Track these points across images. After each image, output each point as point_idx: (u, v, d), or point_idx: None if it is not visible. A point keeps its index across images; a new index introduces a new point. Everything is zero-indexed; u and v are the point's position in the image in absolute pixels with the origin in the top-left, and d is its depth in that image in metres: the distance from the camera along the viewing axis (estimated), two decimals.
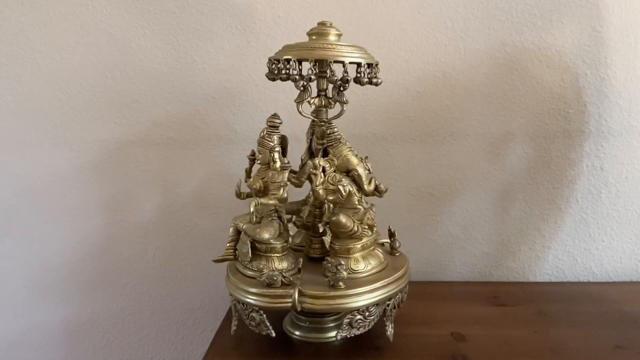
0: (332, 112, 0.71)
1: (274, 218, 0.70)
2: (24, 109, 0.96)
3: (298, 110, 0.68)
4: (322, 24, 0.68)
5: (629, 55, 0.92)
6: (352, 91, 0.70)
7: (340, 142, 0.70)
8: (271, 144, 0.70)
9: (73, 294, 1.02)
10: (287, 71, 0.65)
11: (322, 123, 0.71)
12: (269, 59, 0.67)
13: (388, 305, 0.68)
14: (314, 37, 0.68)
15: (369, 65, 0.67)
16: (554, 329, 0.76)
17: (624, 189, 0.97)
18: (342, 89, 0.69)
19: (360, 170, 0.68)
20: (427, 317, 0.79)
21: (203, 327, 1.04)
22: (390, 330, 0.69)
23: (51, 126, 0.96)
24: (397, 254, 0.76)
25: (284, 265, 0.69)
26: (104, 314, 1.03)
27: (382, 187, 0.70)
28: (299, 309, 0.64)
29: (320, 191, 0.66)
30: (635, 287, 0.95)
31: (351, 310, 0.65)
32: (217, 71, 0.95)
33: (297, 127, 0.78)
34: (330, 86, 0.69)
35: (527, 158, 0.96)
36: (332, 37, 0.67)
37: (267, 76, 0.68)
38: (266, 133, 0.71)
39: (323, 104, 0.70)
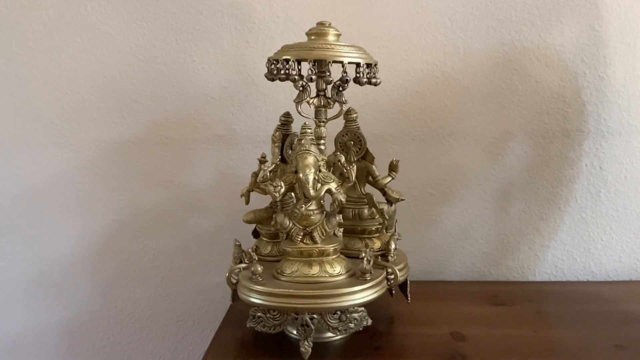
0: (331, 112, 0.71)
1: (272, 207, 0.75)
2: (23, 109, 0.96)
3: (297, 110, 0.69)
4: (321, 24, 0.68)
5: (628, 54, 0.92)
6: (352, 91, 0.71)
7: (300, 143, 0.66)
8: (274, 139, 0.75)
9: (73, 294, 1.02)
10: (286, 71, 0.65)
11: (321, 123, 0.71)
12: (268, 59, 0.67)
13: (296, 319, 0.64)
14: (312, 37, 0.68)
15: (368, 65, 0.67)
16: (553, 329, 0.76)
17: (623, 188, 0.97)
18: (341, 89, 0.69)
19: (305, 175, 0.64)
20: (426, 317, 0.79)
21: (203, 327, 1.04)
22: (302, 348, 0.64)
23: (50, 126, 0.96)
24: (367, 277, 0.66)
25: (267, 249, 0.75)
26: (103, 314, 1.03)
27: (337, 197, 0.65)
28: (230, 286, 0.71)
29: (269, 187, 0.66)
30: (634, 286, 0.95)
31: (253, 305, 0.66)
32: (216, 71, 0.95)
33: (296, 128, 0.79)
34: (330, 86, 0.69)
35: (526, 157, 0.96)
36: (331, 37, 0.67)
37: (266, 76, 0.68)
38: (275, 129, 0.75)
39: (322, 104, 0.70)
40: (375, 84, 0.68)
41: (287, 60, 0.65)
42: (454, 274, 1.01)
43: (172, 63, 0.95)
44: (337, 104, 0.70)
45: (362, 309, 0.67)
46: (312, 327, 0.64)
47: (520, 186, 0.97)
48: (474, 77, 0.94)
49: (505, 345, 0.71)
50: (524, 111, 0.95)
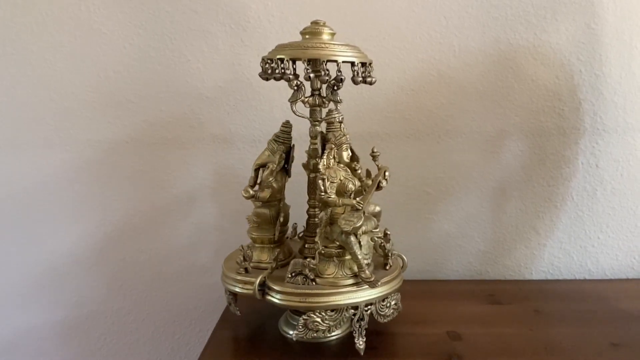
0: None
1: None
2: (17, 110, 0.95)
3: (292, 109, 0.68)
4: (315, 23, 0.68)
5: (624, 52, 0.92)
6: (347, 90, 0.70)
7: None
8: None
9: (69, 295, 1.02)
10: (281, 71, 0.65)
11: (316, 122, 0.70)
12: (262, 59, 0.67)
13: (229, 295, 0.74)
14: (307, 36, 0.67)
15: (363, 64, 0.67)
16: (549, 327, 0.76)
17: (619, 186, 0.97)
18: (335, 88, 0.68)
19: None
20: (422, 316, 0.79)
21: (199, 328, 1.04)
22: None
23: (45, 127, 0.96)
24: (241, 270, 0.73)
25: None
26: (100, 314, 1.03)
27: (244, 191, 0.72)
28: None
29: None
30: (631, 284, 0.95)
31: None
32: (211, 70, 0.94)
33: (292, 127, 0.78)
34: (325, 85, 0.69)
35: (522, 156, 0.96)
36: (325, 36, 0.67)
37: (260, 76, 0.67)
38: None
39: (317, 103, 0.70)
40: (371, 83, 0.67)
41: (282, 60, 0.65)
42: (450, 272, 1.01)
43: (167, 62, 0.94)
44: (332, 103, 0.70)
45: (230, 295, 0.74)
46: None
47: (517, 184, 0.97)
48: (469, 75, 0.94)
49: (501, 344, 0.71)
50: (520, 109, 0.95)
